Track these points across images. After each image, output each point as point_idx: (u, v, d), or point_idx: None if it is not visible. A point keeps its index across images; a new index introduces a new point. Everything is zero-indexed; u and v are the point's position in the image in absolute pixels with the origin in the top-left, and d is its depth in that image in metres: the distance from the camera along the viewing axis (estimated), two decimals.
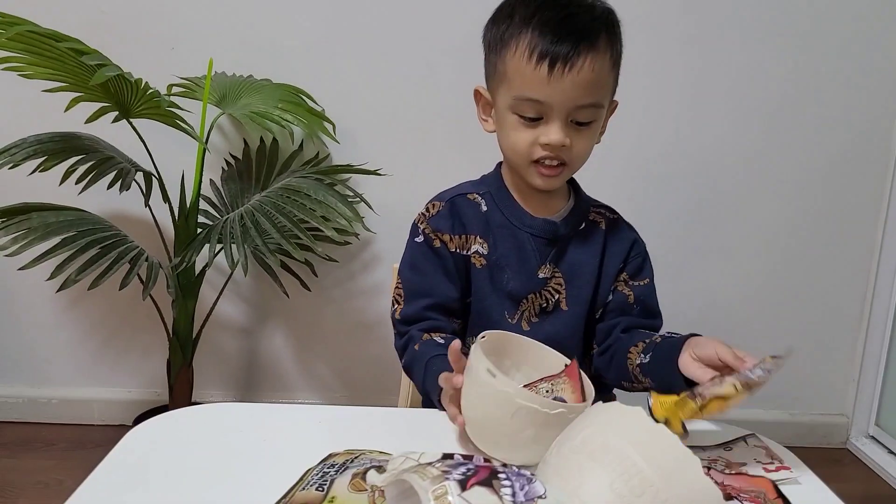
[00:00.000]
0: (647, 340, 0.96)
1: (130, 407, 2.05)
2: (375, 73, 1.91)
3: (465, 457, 0.61)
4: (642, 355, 0.95)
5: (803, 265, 2.10)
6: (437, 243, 1.02)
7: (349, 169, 1.66)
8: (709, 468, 0.76)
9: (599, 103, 0.93)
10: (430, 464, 0.58)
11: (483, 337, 0.80)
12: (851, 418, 2.18)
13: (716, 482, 0.73)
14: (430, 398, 0.94)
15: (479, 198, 1.04)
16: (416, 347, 0.97)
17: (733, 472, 0.76)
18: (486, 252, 1.02)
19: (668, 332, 0.98)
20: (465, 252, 1.02)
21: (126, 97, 1.48)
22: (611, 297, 1.04)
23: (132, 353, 2.08)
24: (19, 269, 1.39)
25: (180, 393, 1.77)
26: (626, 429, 0.57)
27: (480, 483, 0.53)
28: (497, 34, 0.94)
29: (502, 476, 0.55)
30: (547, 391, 0.80)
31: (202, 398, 2.03)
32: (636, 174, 2.00)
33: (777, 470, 0.79)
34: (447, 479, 0.54)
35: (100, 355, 2.08)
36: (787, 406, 2.18)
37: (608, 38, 0.92)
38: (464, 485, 0.53)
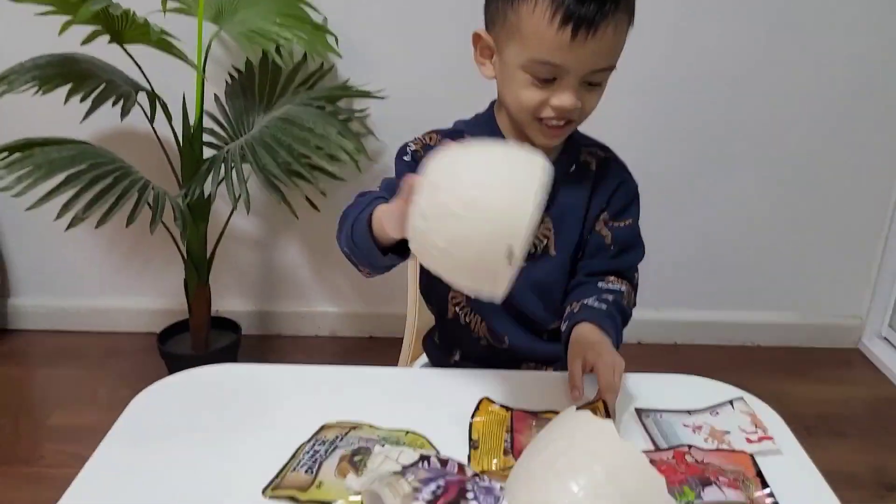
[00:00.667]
0: (575, 304, 0.97)
1: (155, 316, 2.13)
2: None
3: (441, 461, 0.63)
4: (565, 321, 0.97)
5: (827, 169, 2.03)
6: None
7: (350, 93, 1.61)
8: (689, 447, 0.77)
9: (613, 65, 0.89)
10: (404, 472, 0.60)
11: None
12: (865, 320, 2.18)
13: (696, 461, 0.75)
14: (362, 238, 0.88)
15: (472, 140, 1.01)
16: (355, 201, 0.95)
17: (714, 447, 0.78)
18: None
19: (595, 298, 0.97)
20: None
21: (117, 25, 1.43)
22: (588, 238, 1.02)
23: (151, 269, 2.14)
24: (26, 209, 1.41)
25: (199, 310, 1.82)
26: (594, 445, 0.58)
27: (448, 503, 0.56)
28: None
29: (470, 496, 0.57)
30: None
31: (223, 308, 2.10)
32: (651, 89, 1.91)
33: (759, 441, 0.80)
34: (416, 499, 0.56)
35: (122, 269, 2.14)
36: (802, 308, 2.19)
37: None
38: None
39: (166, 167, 1.75)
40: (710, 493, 0.68)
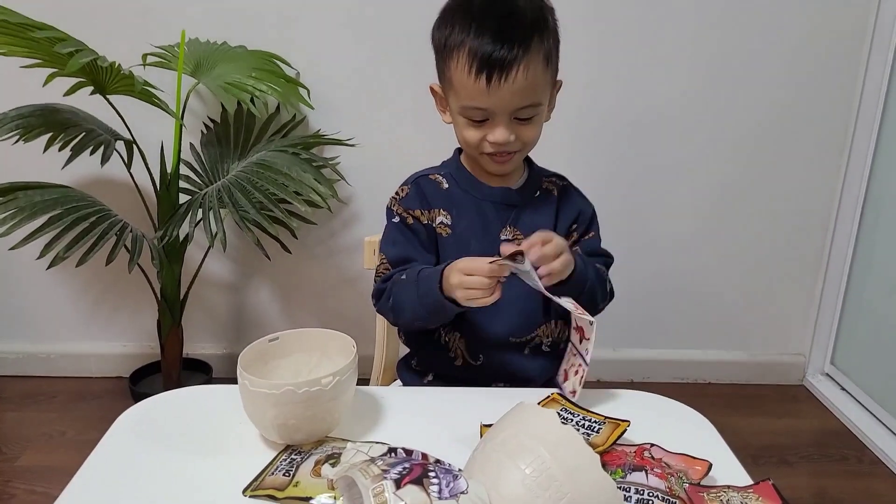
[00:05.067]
0: None
1: (126, 360, 2.17)
2: (349, 35, 1.95)
3: (406, 451, 0.71)
4: None
5: (765, 211, 2.17)
6: (410, 220, 1.12)
7: (322, 140, 1.72)
8: (651, 445, 0.85)
9: (537, 102, 1.02)
10: (373, 460, 0.68)
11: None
12: (808, 357, 2.31)
13: (651, 457, 0.83)
14: (429, 306, 1.01)
15: (441, 177, 1.14)
16: (403, 276, 1.06)
17: (678, 451, 0.84)
18: (449, 222, 1.11)
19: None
20: (432, 224, 1.12)
21: (101, 77, 1.52)
22: None
23: (124, 311, 2.18)
24: (10, 249, 1.47)
25: (171, 351, 1.87)
26: (539, 430, 0.66)
27: (413, 481, 0.63)
28: (441, 40, 1.02)
29: (432, 474, 0.65)
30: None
31: (194, 351, 2.14)
32: (590, 125, 2.05)
33: None
34: (385, 478, 0.64)
35: (94, 313, 2.18)
36: (748, 347, 2.31)
37: (540, 38, 0.99)
38: (399, 483, 0.63)
39: (143, 211, 1.82)
40: (636, 476, 0.76)
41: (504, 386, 1.14)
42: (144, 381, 1.98)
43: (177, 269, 1.80)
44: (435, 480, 0.64)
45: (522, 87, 0.98)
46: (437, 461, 0.69)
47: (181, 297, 1.87)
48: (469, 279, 0.93)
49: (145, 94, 1.52)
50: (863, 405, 2.11)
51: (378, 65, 1.97)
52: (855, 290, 2.17)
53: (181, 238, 1.72)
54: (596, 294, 1.09)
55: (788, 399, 2.26)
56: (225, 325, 2.20)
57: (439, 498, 0.62)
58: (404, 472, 0.65)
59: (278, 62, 1.86)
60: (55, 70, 1.55)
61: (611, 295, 1.17)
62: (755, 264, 2.22)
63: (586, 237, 1.18)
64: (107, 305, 2.18)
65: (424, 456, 0.70)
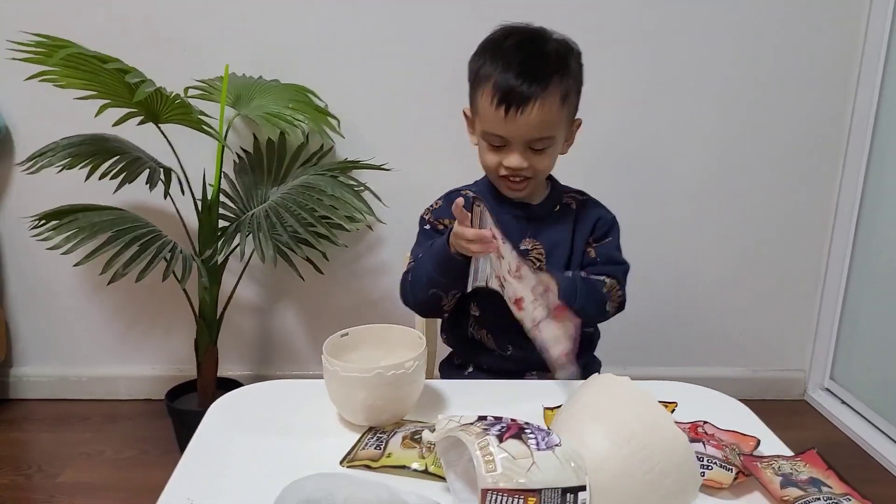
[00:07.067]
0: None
1: (154, 382, 2.23)
2: (376, 69, 2.07)
3: (495, 418, 0.81)
4: None
5: (763, 233, 2.30)
6: (440, 227, 1.27)
7: (359, 165, 1.83)
8: (705, 422, 0.95)
9: (550, 135, 1.15)
10: (471, 423, 0.77)
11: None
12: (808, 373, 2.42)
13: (706, 433, 0.93)
14: (439, 269, 1.16)
15: (471, 193, 1.28)
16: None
17: (728, 428, 0.95)
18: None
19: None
20: None
21: (157, 106, 1.63)
22: (582, 260, 1.26)
23: (154, 334, 2.26)
24: (74, 265, 1.56)
25: (208, 369, 1.95)
26: (617, 393, 0.76)
27: (513, 437, 0.73)
28: (474, 70, 1.17)
29: (528, 431, 0.74)
30: None
31: (225, 372, 2.21)
32: (604, 161, 2.18)
33: None
34: (487, 434, 0.73)
35: (124, 337, 2.26)
36: (751, 364, 2.42)
37: (560, 78, 1.13)
38: (500, 438, 0.73)
39: (183, 235, 1.91)
40: (695, 447, 0.86)
41: (538, 374, 1.23)
42: (178, 400, 2.04)
43: (215, 290, 1.89)
44: (532, 436, 0.74)
45: (537, 121, 1.11)
46: (527, 423, 0.78)
47: (217, 316, 1.95)
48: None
49: (197, 122, 1.63)
50: (864, 417, 2.21)
51: (402, 96, 2.09)
52: (851, 305, 2.29)
53: (222, 259, 1.81)
54: (587, 311, 1.15)
55: (791, 413, 2.36)
56: (254, 349, 2.27)
57: (538, 449, 0.72)
58: (503, 430, 0.74)
59: (310, 95, 1.98)
60: (108, 101, 1.66)
61: (619, 307, 1.23)
62: (754, 283, 2.34)
63: (603, 241, 1.26)
64: (138, 329, 2.25)
65: (514, 420, 0.80)
